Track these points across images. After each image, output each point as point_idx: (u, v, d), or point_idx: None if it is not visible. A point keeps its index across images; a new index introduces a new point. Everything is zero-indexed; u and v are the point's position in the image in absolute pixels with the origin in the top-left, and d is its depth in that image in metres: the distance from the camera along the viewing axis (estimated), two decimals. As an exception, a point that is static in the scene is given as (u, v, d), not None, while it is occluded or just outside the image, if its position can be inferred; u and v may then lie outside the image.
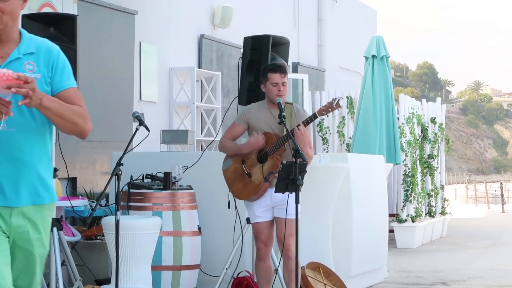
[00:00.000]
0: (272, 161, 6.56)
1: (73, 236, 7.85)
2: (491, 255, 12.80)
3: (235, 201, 6.96)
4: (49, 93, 3.75)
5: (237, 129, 6.76)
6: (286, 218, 6.38)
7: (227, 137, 6.76)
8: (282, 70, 6.62)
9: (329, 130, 14.75)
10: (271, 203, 6.60)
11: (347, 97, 14.76)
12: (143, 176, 7.60)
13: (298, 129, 6.43)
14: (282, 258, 6.61)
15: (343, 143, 14.63)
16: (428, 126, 14.93)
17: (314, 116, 6.53)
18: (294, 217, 6.12)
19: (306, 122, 6.55)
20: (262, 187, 6.57)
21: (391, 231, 12.51)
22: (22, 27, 6.49)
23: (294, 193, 6.07)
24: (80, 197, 8.52)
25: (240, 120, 6.74)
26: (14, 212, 3.71)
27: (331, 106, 6.52)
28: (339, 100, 6.52)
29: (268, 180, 6.54)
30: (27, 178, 3.76)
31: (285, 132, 6.43)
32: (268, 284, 6.75)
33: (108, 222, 6.67)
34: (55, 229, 6.41)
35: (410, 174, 13.71)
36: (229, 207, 6.98)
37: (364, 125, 12.21)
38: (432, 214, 14.84)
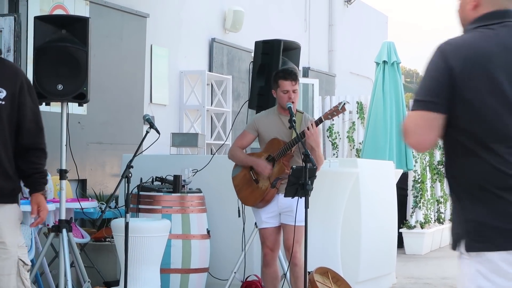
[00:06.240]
0: (278, 167, 6.55)
1: (82, 237, 7.86)
2: (500, 262, 12.74)
3: (243, 207, 6.95)
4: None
5: (248, 138, 6.75)
6: (295, 225, 6.38)
7: (238, 146, 6.76)
8: (293, 77, 6.60)
9: (339, 135, 14.74)
10: (278, 209, 6.59)
11: (357, 103, 14.74)
12: (152, 178, 7.61)
13: (308, 129, 6.42)
14: (289, 265, 6.61)
15: (353, 148, 14.62)
16: (438, 133, 14.88)
17: (319, 120, 6.53)
18: (302, 224, 6.10)
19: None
20: (268, 193, 6.55)
21: (399, 237, 12.48)
22: (34, 29, 6.54)
23: (302, 200, 6.06)
24: (90, 199, 8.53)
25: (250, 128, 6.74)
26: None
27: (336, 110, 6.50)
28: (344, 104, 6.50)
29: (275, 186, 6.52)
30: None
31: (294, 137, 6.43)
32: (275, 290, 6.75)
33: (117, 224, 6.67)
34: (64, 230, 6.43)
35: (419, 181, 13.69)
36: (239, 216, 6.98)
37: (374, 130, 12.19)
38: (441, 220, 14.81)
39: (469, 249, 3.07)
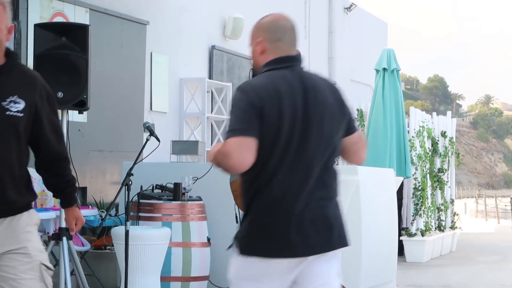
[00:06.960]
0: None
1: (83, 245, 7.85)
2: (500, 270, 12.74)
3: (240, 213, 6.93)
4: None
5: None
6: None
7: None
8: None
9: (339, 142, 14.71)
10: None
11: (357, 110, 14.73)
12: (153, 186, 7.60)
13: None
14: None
15: (353, 155, 14.58)
16: (438, 140, 14.90)
17: None
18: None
19: None
20: None
21: (400, 244, 12.46)
22: (34, 36, 6.54)
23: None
24: (90, 206, 8.52)
25: None
26: None
27: None
28: None
29: None
30: None
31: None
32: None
33: (117, 232, 6.66)
34: (64, 238, 6.41)
35: (420, 188, 13.68)
36: (237, 222, 6.95)
37: (374, 138, 12.19)
38: (441, 228, 14.80)
39: (242, 252, 3.85)
